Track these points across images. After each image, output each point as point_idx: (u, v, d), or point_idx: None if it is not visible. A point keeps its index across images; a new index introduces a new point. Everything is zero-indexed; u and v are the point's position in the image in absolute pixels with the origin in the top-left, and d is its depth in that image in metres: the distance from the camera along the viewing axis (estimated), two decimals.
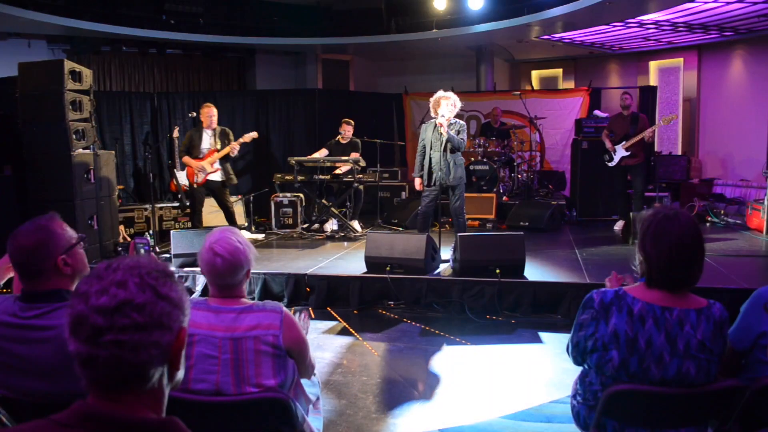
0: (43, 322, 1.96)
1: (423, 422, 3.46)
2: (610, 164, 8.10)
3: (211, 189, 7.69)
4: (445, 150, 6.12)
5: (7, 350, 1.97)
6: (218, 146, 7.52)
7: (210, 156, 7.52)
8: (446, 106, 6.11)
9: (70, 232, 2.12)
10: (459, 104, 6.22)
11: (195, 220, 7.72)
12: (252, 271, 2.35)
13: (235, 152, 7.60)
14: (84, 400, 1.10)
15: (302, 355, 2.33)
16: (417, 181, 6.50)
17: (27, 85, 6.61)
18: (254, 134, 7.83)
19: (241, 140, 7.63)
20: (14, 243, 2.02)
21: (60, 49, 10.55)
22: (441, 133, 6.09)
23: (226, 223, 7.57)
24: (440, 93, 6.24)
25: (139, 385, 1.10)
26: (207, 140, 7.58)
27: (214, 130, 7.61)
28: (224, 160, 7.61)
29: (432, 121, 6.29)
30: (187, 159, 7.52)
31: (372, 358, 4.53)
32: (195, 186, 7.58)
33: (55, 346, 1.91)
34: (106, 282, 1.10)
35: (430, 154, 6.28)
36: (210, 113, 7.58)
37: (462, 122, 6.31)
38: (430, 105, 6.29)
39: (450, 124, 6.11)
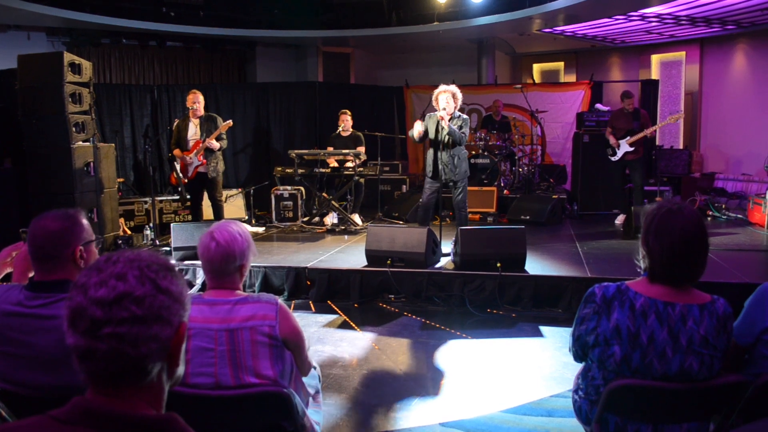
0: (48, 312, 1.97)
1: (423, 416, 3.46)
2: (613, 159, 8.08)
3: (201, 182, 7.36)
4: (446, 145, 6.10)
5: (13, 339, 1.97)
6: (203, 136, 7.17)
7: (196, 147, 7.16)
8: (446, 99, 6.08)
9: (91, 230, 2.19)
10: (460, 96, 6.19)
11: (195, 213, 7.66)
12: (252, 264, 2.35)
13: (214, 145, 7.16)
14: (83, 396, 1.09)
15: (299, 348, 2.33)
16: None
17: (27, 77, 6.58)
18: (229, 122, 7.38)
19: (216, 132, 7.18)
20: (39, 224, 2.06)
21: (60, 41, 10.52)
22: (443, 127, 6.07)
23: (223, 217, 7.49)
24: (441, 87, 6.19)
25: (138, 380, 1.09)
26: (192, 130, 7.23)
27: (200, 118, 7.24)
28: (210, 151, 7.22)
29: (434, 114, 6.24)
30: (176, 152, 7.25)
31: (372, 352, 4.53)
32: (187, 180, 7.28)
33: (58, 336, 1.91)
34: (106, 274, 1.09)
35: (434, 152, 6.22)
36: (194, 100, 7.19)
37: (465, 116, 6.28)
38: (432, 100, 6.25)
39: (453, 118, 6.10)
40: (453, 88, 6.16)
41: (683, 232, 2.00)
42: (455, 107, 6.14)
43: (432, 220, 6.64)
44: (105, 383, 1.08)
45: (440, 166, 6.17)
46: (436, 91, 6.20)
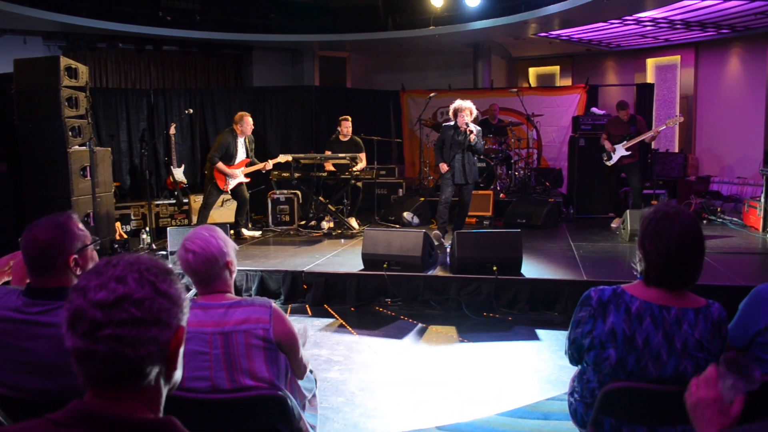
0: (46, 319, 1.96)
1: (420, 419, 3.46)
2: (608, 163, 8.10)
3: (233, 192, 7.92)
4: (464, 151, 6.88)
5: (10, 345, 1.96)
6: (251, 154, 7.94)
7: (242, 165, 7.82)
8: (467, 116, 6.75)
9: (85, 233, 2.16)
10: (475, 112, 6.97)
11: (202, 216, 7.73)
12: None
13: (270, 166, 7.97)
14: (80, 399, 1.10)
15: (293, 351, 2.33)
16: (443, 166, 6.99)
17: (23, 81, 6.57)
18: (288, 157, 8.04)
19: (276, 161, 8.00)
20: (30, 235, 2.04)
21: (56, 45, 10.49)
22: (467, 134, 6.74)
23: (231, 220, 7.94)
24: (458, 103, 6.84)
25: (136, 383, 1.10)
26: (242, 148, 7.85)
27: (246, 138, 7.88)
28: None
29: (448, 125, 6.97)
30: (221, 166, 7.62)
31: (369, 356, 4.53)
32: (223, 190, 7.74)
33: (56, 343, 1.90)
34: (105, 277, 1.10)
35: (453, 157, 6.89)
36: (250, 122, 7.83)
37: (478, 127, 6.97)
38: (449, 112, 6.93)
39: (471, 132, 6.77)
40: (470, 104, 6.83)
41: (679, 236, 2.00)
42: (471, 121, 6.84)
43: (429, 224, 6.74)
44: (103, 386, 1.09)
45: (458, 169, 6.91)
46: (453, 107, 6.87)
